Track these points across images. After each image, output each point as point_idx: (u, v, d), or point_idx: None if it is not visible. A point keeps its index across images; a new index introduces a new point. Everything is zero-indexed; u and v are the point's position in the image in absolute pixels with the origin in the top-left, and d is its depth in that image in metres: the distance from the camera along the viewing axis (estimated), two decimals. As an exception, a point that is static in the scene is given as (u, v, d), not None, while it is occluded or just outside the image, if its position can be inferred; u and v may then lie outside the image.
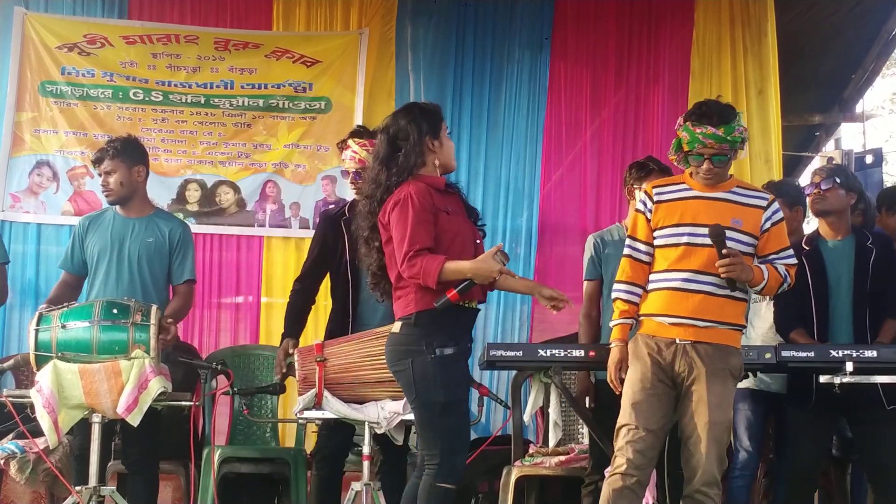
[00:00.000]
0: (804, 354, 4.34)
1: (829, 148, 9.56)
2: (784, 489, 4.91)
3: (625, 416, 3.92)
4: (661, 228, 4.03)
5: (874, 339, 4.66)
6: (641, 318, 4.04)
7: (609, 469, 3.94)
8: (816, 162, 8.87)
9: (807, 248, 4.85)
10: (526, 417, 5.11)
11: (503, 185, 6.83)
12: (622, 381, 4.01)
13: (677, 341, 3.94)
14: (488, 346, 4.45)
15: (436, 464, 3.74)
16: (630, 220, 4.20)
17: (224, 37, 6.73)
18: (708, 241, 3.93)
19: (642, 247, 4.07)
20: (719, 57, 6.81)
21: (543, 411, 5.20)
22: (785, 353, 4.33)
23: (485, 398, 4.64)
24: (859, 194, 5.01)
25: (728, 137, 3.96)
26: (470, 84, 6.87)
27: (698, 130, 3.97)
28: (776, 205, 4.08)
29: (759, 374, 4.89)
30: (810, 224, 5.51)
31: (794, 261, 4.09)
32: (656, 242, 4.04)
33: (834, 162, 7.69)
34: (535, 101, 6.88)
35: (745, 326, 4.08)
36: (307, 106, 6.74)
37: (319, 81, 6.75)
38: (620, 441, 3.89)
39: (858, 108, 9.45)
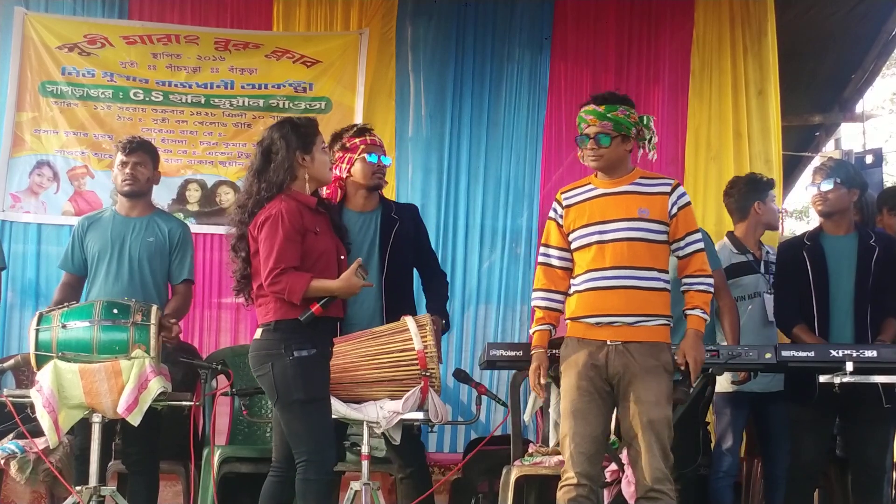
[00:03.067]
0: (804, 354, 4.34)
1: (829, 148, 9.56)
2: (784, 488, 4.92)
3: (566, 425, 3.90)
4: (574, 231, 4.05)
5: (875, 337, 4.67)
6: (568, 321, 4.03)
7: (560, 481, 3.91)
8: (817, 162, 8.87)
9: (808, 243, 4.85)
10: (526, 417, 5.11)
11: (503, 185, 6.83)
12: (545, 388, 4.04)
13: (608, 343, 3.91)
14: (488, 346, 4.45)
15: (304, 461, 3.89)
16: (545, 230, 4.20)
17: (224, 37, 6.73)
18: (618, 235, 3.95)
19: (555, 252, 4.09)
20: (719, 57, 6.81)
21: (543, 411, 5.21)
22: (785, 353, 4.33)
23: (483, 397, 4.65)
24: (861, 187, 5.01)
25: (608, 115, 4.01)
26: (470, 84, 6.87)
27: (582, 111, 4.07)
28: (681, 188, 4.09)
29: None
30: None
31: (700, 245, 4.05)
32: (572, 246, 4.06)
33: (831, 157, 7.69)
34: (535, 101, 6.87)
35: (671, 318, 4.02)
36: (307, 106, 6.74)
37: (320, 81, 6.76)
38: (567, 452, 3.88)
39: (858, 108, 9.45)
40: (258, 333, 4.01)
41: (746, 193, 5.33)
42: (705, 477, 5.09)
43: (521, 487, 5.03)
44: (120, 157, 4.91)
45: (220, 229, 6.61)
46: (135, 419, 4.28)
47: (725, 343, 4.76)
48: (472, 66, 6.89)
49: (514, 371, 5.18)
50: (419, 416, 4.28)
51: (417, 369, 4.16)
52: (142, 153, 4.92)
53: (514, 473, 4.88)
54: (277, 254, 3.87)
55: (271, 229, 3.89)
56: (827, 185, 4.79)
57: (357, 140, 4.78)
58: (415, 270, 5.00)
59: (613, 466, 4.39)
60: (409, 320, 4.27)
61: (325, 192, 4.88)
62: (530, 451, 5.06)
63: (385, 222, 4.75)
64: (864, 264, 4.73)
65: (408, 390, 4.19)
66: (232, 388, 4.77)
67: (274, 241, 3.88)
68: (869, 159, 7.84)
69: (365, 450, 4.22)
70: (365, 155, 4.76)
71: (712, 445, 5.44)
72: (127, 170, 4.88)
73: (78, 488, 4.32)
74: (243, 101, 6.72)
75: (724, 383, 4.98)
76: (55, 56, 6.61)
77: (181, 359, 4.75)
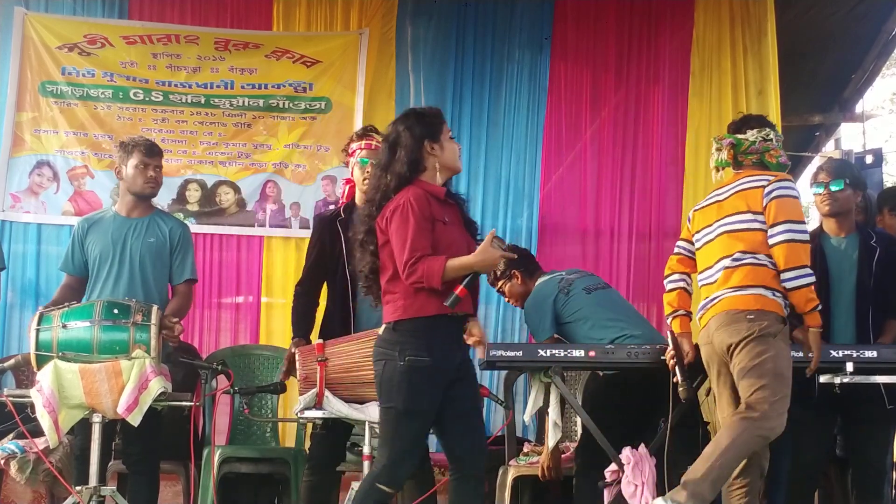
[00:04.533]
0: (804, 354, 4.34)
1: (829, 148, 9.55)
2: (784, 488, 4.92)
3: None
4: None
5: (876, 338, 4.66)
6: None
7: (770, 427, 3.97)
8: (817, 162, 8.87)
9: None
10: (526, 418, 5.10)
11: (503, 185, 6.83)
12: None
13: None
14: (488, 345, 4.45)
15: (381, 465, 3.81)
16: (796, 208, 4.18)
17: (224, 37, 6.73)
18: None
19: None
20: (719, 57, 6.82)
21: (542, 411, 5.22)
22: (785, 354, 4.33)
23: (485, 398, 4.65)
24: (864, 187, 5.02)
25: None
26: (470, 84, 6.88)
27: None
28: None
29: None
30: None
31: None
32: None
33: (833, 158, 7.69)
34: (535, 101, 6.88)
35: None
36: (307, 106, 6.74)
37: (319, 81, 6.76)
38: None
39: (858, 108, 9.44)
40: (381, 331, 3.91)
41: None
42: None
43: (516, 487, 5.03)
44: (141, 158, 4.87)
45: (220, 229, 6.65)
46: (135, 419, 4.28)
47: None
48: (472, 66, 6.90)
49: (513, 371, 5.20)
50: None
51: (420, 370, 4.14)
52: (160, 158, 4.96)
53: (511, 473, 4.89)
54: (411, 243, 3.73)
55: (401, 219, 3.78)
56: (836, 186, 4.77)
57: (354, 145, 4.77)
58: None
59: (613, 466, 4.40)
60: (413, 321, 4.27)
61: (344, 192, 4.90)
62: (525, 450, 5.07)
63: None
64: (865, 265, 4.73)
65: (410, 391, 4.18)
66: (233, 387, 4.76)
67: (405, 231, 3.76)
68: (869, 159, 7.83)
69: (366, 450, 4.21)
70: (358, 160, 4.74)
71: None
72: (150, 173, 4.88)
73: (78, 488, 4.32)
74: (243, 101, 6.72)
75: None
76: (55, 56, 6.61)
77: (181, 359, 4.75)
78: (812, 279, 4.06)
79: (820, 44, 7.76)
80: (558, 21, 6.96)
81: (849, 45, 7.89)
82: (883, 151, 8.58)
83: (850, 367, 4.17)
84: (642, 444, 4.37)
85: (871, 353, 4.28)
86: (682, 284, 4.40)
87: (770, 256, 4.10)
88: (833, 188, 4.78)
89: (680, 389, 4.18)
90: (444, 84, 6.87)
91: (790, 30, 7.09)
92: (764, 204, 4.12)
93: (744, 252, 4.12)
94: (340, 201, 4.94)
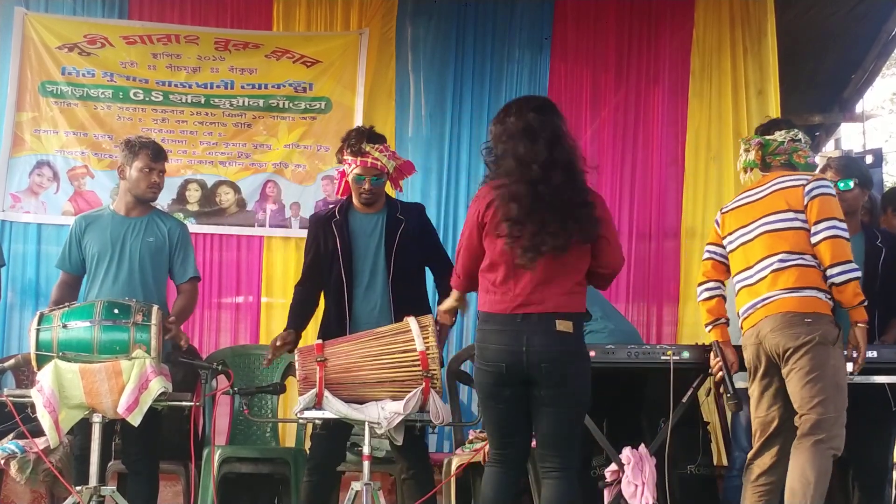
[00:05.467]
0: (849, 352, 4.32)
1: (829, 148, 9.56)
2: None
3: None
4: None
5: (880, 338, 4.65)
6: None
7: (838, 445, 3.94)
8: (816, 162, 8.86)
9: None
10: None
11: (503, 186, 6.81)
12: None
13: None
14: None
15: (574, 465, 3.74)
16: (837, 206, 4.26)
17: (224, 37, 6.74)
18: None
19: None
20: (719, 57, 6.82)
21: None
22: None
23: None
24: (870, 186, 5.00)
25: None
26: (470, 84, 6.88)
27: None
28: None
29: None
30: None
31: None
32: None
33: (841, 156, 7.67)
34: (535, 101, 6.87)
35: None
36: (307, 106, 6.74)
37: (319, 81, 6.76)
38: None
39: (858, 108, 9.45)
40: (569, 326, 3.69)
41: None
42: (706, 477, 5.08)
43: (469, 475, 5.06)
44: (147, 162, 4.85)
45: (220, 229, 6.65)
46: (135, 419, 4.28)
47: None
48: (472, 66, 6.90)
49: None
50: (421, 417, 4.28)
51: (419, 370, 4.15)
52: (164, 162, 4.96)
53: (455, 462, 4.94)
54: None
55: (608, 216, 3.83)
56: (845, 185, 4.74)
57: (349, 157, 4.72)
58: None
59: (613, 466, 4.40)
60: (411, 321, 4.27)
61: (340, 188, 4.88)
62: (470, 437, 5.10)
63: (390, 223, 4.72)
64: (871, 265, 4.69)
65: (409, 391, 4.18)
66: (233, 387, 4.76)
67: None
68: (869, 159, 7.80)
69: (366, 450, 4.20)
70: (354, 176, 4.70)
71: (711, 445, 5.43)
72: (154, 178, 4.88)
73: (78, 488, 4.31)
74: (243, 101, 6.72)
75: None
76: (55, 56, 6.61)
77: (181, 359, 4.75)
78: (858, 274, 4.04)
79: (820, 44, 7.76)
80: (558, 21, 6.96)
81: (849, 45, 7.89)
82: (883, 151, 8.58)
83: (850, 366, 4.16)
84: (642, 444, 4.38)
85: (871, 353, 4.26)
86: (720, 292, 4.34)
87: (814, 257, 4.07)
88: (841, 187, 4.73)
89: (729, 404, 4.18)
90: (444, 84, 6.87)
91: (790, 30, 7.09)
92: (805, 202, 4.11)
93: (790, 252, 4.08)
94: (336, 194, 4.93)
